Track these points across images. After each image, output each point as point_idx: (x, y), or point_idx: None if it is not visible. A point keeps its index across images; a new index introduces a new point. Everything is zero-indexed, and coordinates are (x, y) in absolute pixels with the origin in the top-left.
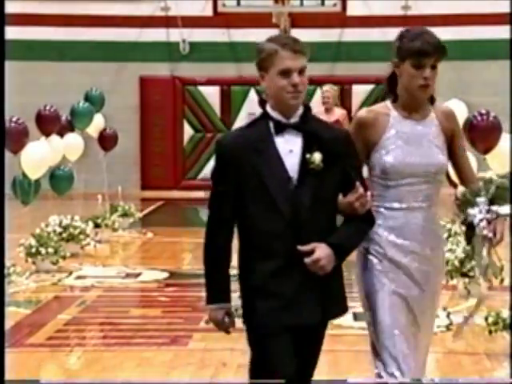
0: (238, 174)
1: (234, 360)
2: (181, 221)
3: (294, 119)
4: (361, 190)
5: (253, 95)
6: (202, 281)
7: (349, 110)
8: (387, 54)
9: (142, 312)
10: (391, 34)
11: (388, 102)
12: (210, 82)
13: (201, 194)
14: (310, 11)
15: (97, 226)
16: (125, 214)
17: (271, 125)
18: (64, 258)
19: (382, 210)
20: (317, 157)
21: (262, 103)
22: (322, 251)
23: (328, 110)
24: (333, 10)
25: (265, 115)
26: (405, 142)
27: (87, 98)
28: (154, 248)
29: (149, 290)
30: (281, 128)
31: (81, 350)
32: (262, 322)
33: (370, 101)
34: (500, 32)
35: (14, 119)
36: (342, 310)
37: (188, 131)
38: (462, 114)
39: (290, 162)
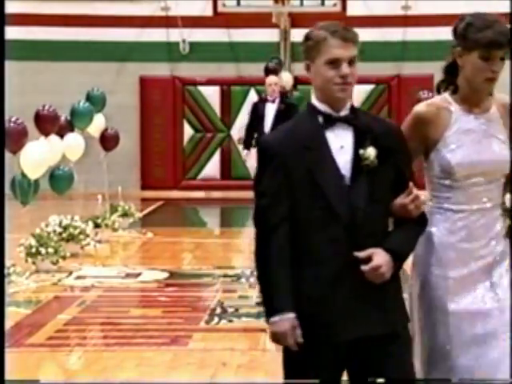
0: (289, 174)
1: (233, 360)
2: (181, 221)
3: (344, 112)
4: (415, 190)
5: (253, 95)
6: (202, 281)
7: None
8: (387, 53)
9: (142, 312)
10: (391, 34)
11: (447, 95)
12: (210, 82)
13: (201, 194)
14: (310, 11)
15: (97, 226)
16: (125, 214)
17: (320, 119)
18: (64, 258)
19: (442, 211)
20: (371, 152)
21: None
22: (380, 257)
23: None
24: (333, 10)
25: (312, 109)
26: (469, 139)
27: (88, 98)
28: (154, 248)
29: (149, 290)
30: (331, 122)
31: (81, 350)
32: (314, 333)
33: (370, 101)
34: None
35: (13, 119)
36: (406, 319)
37: (188, 131)
38: None
39: (342, 159)
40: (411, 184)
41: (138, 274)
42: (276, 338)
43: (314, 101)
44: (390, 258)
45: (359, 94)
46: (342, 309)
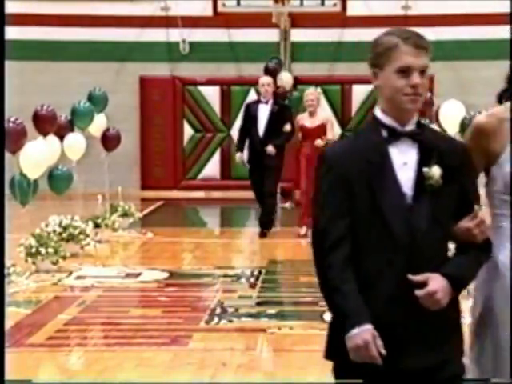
0: (349, 189)
1: (233, 360)
2: (181, 221)
3: (410, 127)
4: (480, 214)
5: (253, 95)
6: (202, 281)
7: (349, 110)
8: None
9: (142, 312)
10: None
11: (508, 104)
12: (209, 82)
13: (201, 194)
14: (310, 11)
15: (97, 226)
16: (125, 214)
17: (384, 132)
18: (64, 258)
19: (503, 231)
20: (436, 171)
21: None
22: (436, 283)
23: (312, 114)
24: (333, 10)
25: (375, 121)
26: None
27: (90, 98)
28: (153, 248)
29: (149, 290)
30: (395, 136)
31: (81, 350)
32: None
33: (370, 101)
34: (500, 32)
35: (12, 119)
36: (460, 352)
37: (188, 131)
38: (459, 114)
39: (405, 177)
40: (476, 207)
41: (138, 274)
42: (358, 352)
43: (378, 113)
44: (448, 284)
45: (359, 94)
46: (394, 336)
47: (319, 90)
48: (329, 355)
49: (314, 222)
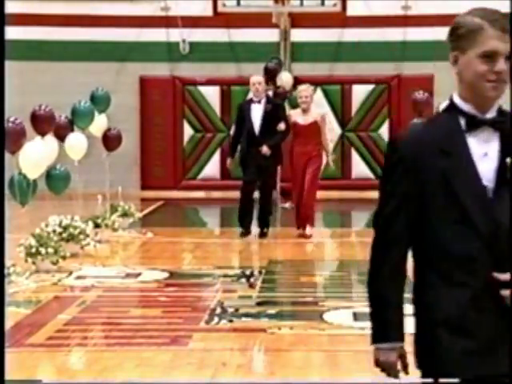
0: (421, 180)
1: (233, 360)
2: (181, 221)
3: (491, 114)
4: None
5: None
6: (202, 281)
7: (349, 110)
8: (387, 53)
9: (142, 312)
10: (391, 34)
11: None
12: (209, 82)
13: (201, 194)
14: (310, 11)
15: (97, 226)
16: (125, 214)
17: (462, 120)
18: (64, 258)
19: None
20: None
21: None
22: None
23: (305, 111)
24: (333, 10)
25: (453, 108)
26: None
27: (93, 98)
28: (154, 248)
29: (149, 290)
30: (475, 125)
31: (81, 350)
32: (451, 366)
33: (370, 101)
34: None
35: (12, 119)
36: None
37: (188, 131)
38: None
39: (485, 168)
40: None
41: (138, 274)
42: (381, 365)
43: (457, 99)
44: None
45: (359, 94)
46: (480, 340)
47: (312, 87)
48: (418, 358)
49: (378, 210)
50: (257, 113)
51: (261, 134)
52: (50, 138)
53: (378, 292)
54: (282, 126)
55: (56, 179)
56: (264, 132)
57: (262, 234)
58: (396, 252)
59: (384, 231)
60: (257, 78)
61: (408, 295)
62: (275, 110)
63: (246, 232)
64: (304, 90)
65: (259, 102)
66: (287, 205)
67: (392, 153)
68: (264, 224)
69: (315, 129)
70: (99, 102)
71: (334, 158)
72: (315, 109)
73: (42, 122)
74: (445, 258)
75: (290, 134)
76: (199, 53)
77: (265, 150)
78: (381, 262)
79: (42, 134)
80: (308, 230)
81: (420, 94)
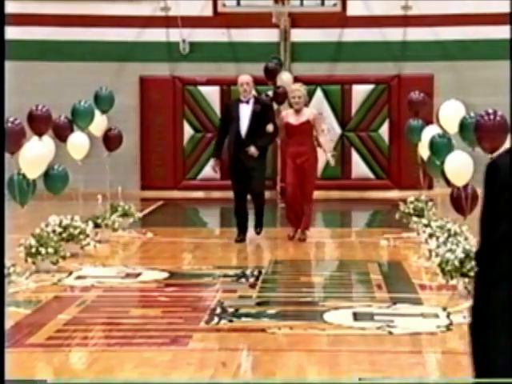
0: None
1: (233, 360)
2: (181, 221)
3: None
4: None
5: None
6: (202, 281)
7: (349, 110)
8: (387, 53)
9: (142, 312)
10: (391, 34)
11: None
12: (209, 82)
13: (201, 194)
14: (310, 11)
15: (97, 226)
16: (125, 214)
17: None
18: (64, 258)
19: None
20: None
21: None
22: None
23: (298, 111)
24: (333, 10)
25: None
26: None
27: (96, 98)
28: (154, 248)
29: (149, 290)
30: None
31: (81, 350)
32: None
33: (370, 101)
34: (500, 32)
35: (11, 119)
36: None
37: (188, 131)
38: (459, 114)
39: None
40: None
41: (138, 274)
42: None
43: None
44: None
45: (359, 94)
46: None
47: (305, 87)
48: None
49: (480, 245)
50: (245, 113)
51: (248, 135)
52: (47, 139)
53: (481, 337)
54: (270, 127)
55: (54, 179)
56: (251, 133)
57: (257, 234)
58: (503, 290)
59: (490, 266)
60: (245, 78)
61: None
62: (264, 111)
63: (241, 240)
64: (297, 89)
65: (247, 102)
66: None
67: (488, 179)
68: (257, 224)
69: (308, 128)
70: (103, 101)
71: (333, 154)
72: (310, 108)
73: (39, 122)
74: None
75: (278, 135)
76: (199, 53)
77: (252, 150)
78: (487, 302)
79: (39, 134)
80: (302, 233)
81: (416, 95)
